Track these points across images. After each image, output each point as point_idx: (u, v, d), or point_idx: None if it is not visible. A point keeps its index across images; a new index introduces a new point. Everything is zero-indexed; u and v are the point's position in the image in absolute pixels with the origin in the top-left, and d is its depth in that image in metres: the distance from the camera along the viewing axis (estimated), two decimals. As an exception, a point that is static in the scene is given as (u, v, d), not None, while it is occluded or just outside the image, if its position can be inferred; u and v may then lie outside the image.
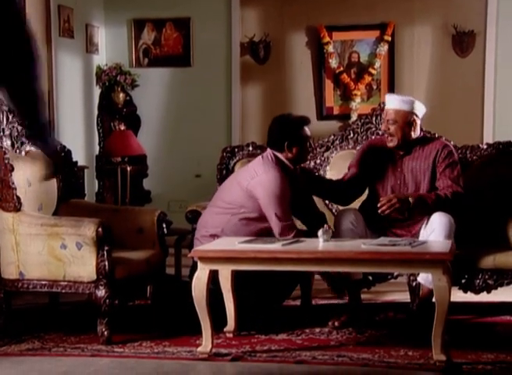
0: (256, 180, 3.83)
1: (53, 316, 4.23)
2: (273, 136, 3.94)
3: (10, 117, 4.02)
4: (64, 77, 5.99)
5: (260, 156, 4.00)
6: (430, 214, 3.85)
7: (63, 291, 3.78)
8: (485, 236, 4.07)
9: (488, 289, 3.94)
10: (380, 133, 4.44)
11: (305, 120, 4.00)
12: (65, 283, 3.75)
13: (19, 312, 4.11)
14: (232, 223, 3.86)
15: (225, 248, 3.53)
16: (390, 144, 4.01)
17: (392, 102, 4.01)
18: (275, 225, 3.79)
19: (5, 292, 3.84)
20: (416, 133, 4.03)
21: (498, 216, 4.16)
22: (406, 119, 3.97)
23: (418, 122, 4.03)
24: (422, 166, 4.00)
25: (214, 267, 3.53)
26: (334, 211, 4.47)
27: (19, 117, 2.79)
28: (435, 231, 3.76)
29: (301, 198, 4.00)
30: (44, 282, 3.78)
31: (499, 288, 3.96)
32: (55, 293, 4.05)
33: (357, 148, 4.50)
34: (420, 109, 4.03)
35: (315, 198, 4.21)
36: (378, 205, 3.80)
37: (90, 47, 6.45)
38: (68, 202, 4.34)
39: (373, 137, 4.46)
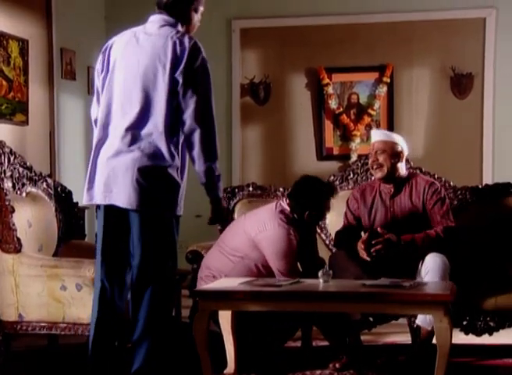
0: (264, 234, 3.83)
1: (52, 358, 4.19)
2: (299, 197, 3.91)
3: (12, 159, 4.05)
4: (66, 119, 6.03)
5: (273, 205, 3.96)
6: (424, 254, 3.84)
7: (62, 333, 3.76)
8: (487, 277, 4.07)
9: (490, 331, 3.92)
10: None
11: (333, 191, 4.02)
12: (65, 325, 3.73)
13: (17, 354, 4.07)
14: (235, 271, 3.85)
15: (226, 289, 3.53)
16: (378, 175, 4.07)
17: (379, 135, 4.15)
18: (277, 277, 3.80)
19: (4, 334, 3.82)
20: (403, 168, 4.10)
21: (499, 257, 4.16)
22: (393, 149, 4.07)
23: (405, 154, 4.11)
24: (412, 204, 4.03)
25: (214, 308, 3.52)
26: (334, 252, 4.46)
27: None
28: (429, 273, 3.76)
29: (305, 246, 4.00)
30: (43, 324, 3.76)
31: (500, 330, 3.94)
32: (54, 335, 4.02)
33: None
34: (404, 144, 4.13)
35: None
36: (374, 242, 3.83)
37: (91, 89, 6.51)
38: (68, 243, 4.34)
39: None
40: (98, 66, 3.31)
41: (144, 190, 3.09)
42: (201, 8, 3.32)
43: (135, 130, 3.13)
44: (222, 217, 3.28)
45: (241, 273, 3.84)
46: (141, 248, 3.14)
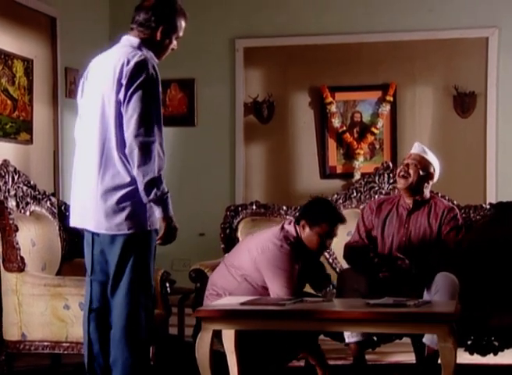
0: (264, 256, 3.75)
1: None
2: (301, 208, 3.94)
3: (16, 178, 4.06)
4: (70, 138, 6.03)
5: (279, 227, 3.88)
6: (433, 275, 3.84)
7: (65, 352, 3.75)
8: (491, 296, 4.05)
9: (495, 351, 3.89)
10: (385, 192, 4.47)
11: (339, 217, 3.82)
12: (68, 344, 3.73)
13: (20, 374, 4.06)
14: (240, 289, 3.83)
15: (229, 308, 3.51)
16: (401, 183, 4.06)
17: (420, 149, 4.15)
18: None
19: (7, 354, 3.81)
20: (427, 191, 4.08)
21: (503, 276, 4.15)
22: (426, 167, 4.08)
23: (434, 179, 4.11)
24: (428, 225, 4.02)
25: (217, 327, 3.51)
26: (338, 270, 4.46)
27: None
28: (439, 292, 3.75)
29: (311, 264, 3.97)
30: (46, 343, 3.76)
31: (505, 350, 3.92)
32: (57, 354, 4.01)
33: (361, 207, 4.51)
34: (437, 170, 4.14)
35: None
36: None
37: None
38: (72, 262, 4.34)
39: (376, 197, 4.47)
40: (80, 87, 3.35)
41: (106, 212, 3.11)
42: (177, 34, 3.24)
43: (98, 154, 3.15)
44: (173, 236, 3.16)
45: (245, 291, 3.81)
46: (113, 267, 3.17)
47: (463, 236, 4.02)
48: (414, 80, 6.48)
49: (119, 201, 3.09)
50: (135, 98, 3.04)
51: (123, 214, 3.09)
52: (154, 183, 3.06)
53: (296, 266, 3.74)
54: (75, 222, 3.28)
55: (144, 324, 3.15)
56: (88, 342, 3.20)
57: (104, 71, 3.15)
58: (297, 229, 3.81)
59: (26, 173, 4.31)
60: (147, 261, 3.19)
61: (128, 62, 3.08)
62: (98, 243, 3.21)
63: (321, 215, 3.77)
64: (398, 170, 4.13)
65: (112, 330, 3.14)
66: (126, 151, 3.07)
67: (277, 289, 3.71)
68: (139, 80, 3.04)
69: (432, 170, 4.10)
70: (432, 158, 4.14)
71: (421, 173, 4.05)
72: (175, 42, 3.28)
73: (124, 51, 3.16)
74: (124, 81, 3.06)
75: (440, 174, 4.19)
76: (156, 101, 3.10)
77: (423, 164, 4.07)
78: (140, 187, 3.06)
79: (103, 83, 3.13)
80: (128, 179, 3.09)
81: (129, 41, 3.21)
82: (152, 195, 3.06)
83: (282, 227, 3.85)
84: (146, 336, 3.16)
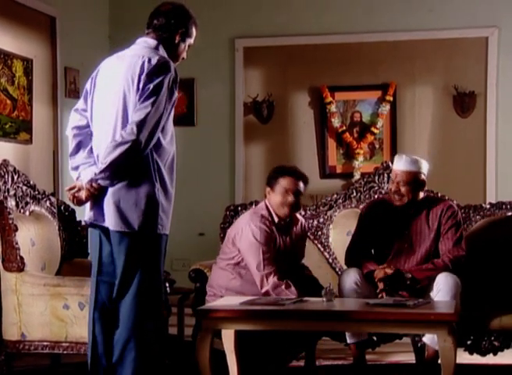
0: (240, 236, 3.85)
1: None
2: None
3: (15, 177, 4.06)
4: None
5: (252, 208, 4.03)
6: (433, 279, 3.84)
7: (65, 352, 3.75)
8: (491, 297, 4.05)
9: (495, 351, 3.89)
10: (384, 192, 4.46)
11: (289, 170, 3.97)
12: (67, 344, 3.73)
13: (20, 374, 4.06)
14: (234, 282, 3.85)
15: (228, 308, 3.52)
16: (398, 203, 4.02)
17: (403, 165, 4.02)
18: (254, 275, 3.79)
19: (7, 354, 3.80)
20: (421, 193, 4.07)
21: (502, 276, 4.15)
22: (417, 180, 4.01)
23: (425, 180, 4.07)
24: (429, 227, 4.01)
25: (217, 327, 3.51)
26: (337, 270, 4.46)
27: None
28: (440, 292, 3.75)
29: (290, 260, 3.97)
30: (45, 343, 3.76)
31: (505, 350, 3.92)
32: (57, 354, 4.01)
33: (361, 206, 4.51)
34: (426, 168, 4.08)
35: (313, 260, 4.19)
36: (378, 291, 3.83)
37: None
38: (71, 261, 4.34)
39: (375, 196, 4.46)
40: (87, 86, 3.33)
41: (118, 209, 3.09)
42: (190, 41, 3.33)
43: None
44: (85, 200, 3.14)
45: (241, 281, 3.85)
46: (120, 267, 3.15)
47: (461, 233, 4.01)
48: (413, 80, 6.48)
49: (135, 198, 3.07)
50: (153, 94, 3.05)
51: (136, 213, 3.08)
52: (110, 169, 3.04)
53: (268, 236, 3.80)
54: (88, 216, 3.25)
55: (151, 327, 3.15)
56: (93, 343, 3.20)
57: (122, 69, 3.15)
58: (267, 202, 3.92)
59: (26, 173, 4.31)
60: (156, 265, 3.17)
61: (149, 60, 3.12)
62: (107, 244, 3.19)
63: (275, 174, 3.95)
64: (391, 190, 4.04)
65: (118, 330, 3.13)
66: (122, 130, 3.06)
67: (255, 262, 3.75)
68: (160, 78, 3.07)
69: (422, 178, 4.03)
70: (418, 165, 4.02)
71: (412, 188, 3.99)
72: (185, 51, 3.33)
73: (142, 50, 3.19)
74: (144, 76, 3.08)
75: (432, 170, 4.14)
76: (169, 103, 3.10)
77: (411, 179, 3.98)
78: (105, 160, 3.04)
79: (121, 80, 3.13)
80: (147, 176, 3.08)
81: (146, 42, 3.25)
82: (105, 175, 3.05)
83: (254, 207, 3.99)
84: (154, 340, 3.16)
